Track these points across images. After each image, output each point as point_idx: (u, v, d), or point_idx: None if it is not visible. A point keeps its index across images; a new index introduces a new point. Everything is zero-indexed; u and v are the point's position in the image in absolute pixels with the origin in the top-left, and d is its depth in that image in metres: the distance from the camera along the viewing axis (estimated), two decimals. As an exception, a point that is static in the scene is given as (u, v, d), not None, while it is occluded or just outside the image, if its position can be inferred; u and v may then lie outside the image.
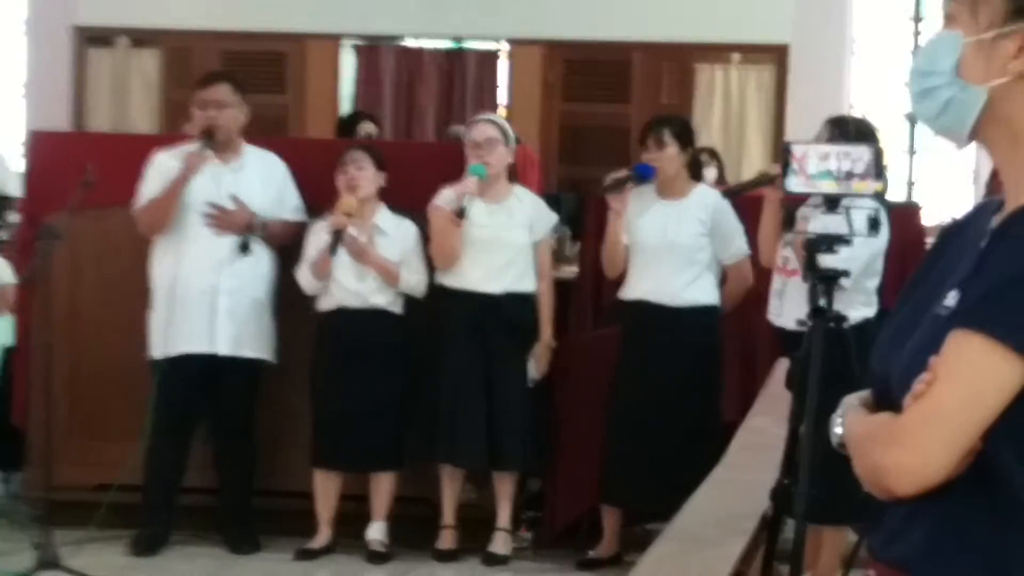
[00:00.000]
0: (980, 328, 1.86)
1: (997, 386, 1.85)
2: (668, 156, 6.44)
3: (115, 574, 6.04)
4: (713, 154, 9.99)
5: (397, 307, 6.64)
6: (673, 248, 6.40)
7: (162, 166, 6.58)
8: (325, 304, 6.62)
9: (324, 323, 6.64)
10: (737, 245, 6.46)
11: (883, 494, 1.96)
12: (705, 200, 6.51)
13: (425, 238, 6.64)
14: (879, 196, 4.90)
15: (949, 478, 1.90)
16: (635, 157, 7.39)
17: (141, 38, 12.13)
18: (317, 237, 6.57)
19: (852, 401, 2.11)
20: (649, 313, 6.39)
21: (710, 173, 9.55)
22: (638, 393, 6.39)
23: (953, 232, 2.12)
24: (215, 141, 6.54)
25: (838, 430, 2.10)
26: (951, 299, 1.93)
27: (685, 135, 6.55)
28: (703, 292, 6.45)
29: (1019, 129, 1.98)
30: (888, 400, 2.01)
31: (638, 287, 6.45)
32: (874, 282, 5.84)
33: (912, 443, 1.90)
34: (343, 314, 6.58)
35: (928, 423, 1.89)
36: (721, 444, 5.13)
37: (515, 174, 6.83)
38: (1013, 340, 1.84)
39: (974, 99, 1.98)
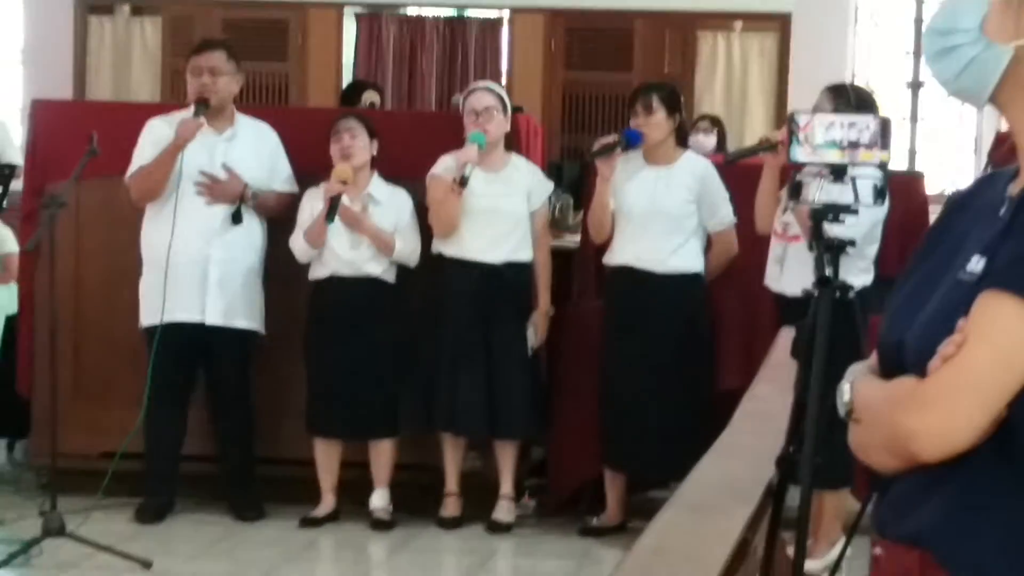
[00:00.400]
0: (1013, 289, 1.83)
1: None
2: (656, 122, 6.44)
3: (121, 542, 6.06)
4: (715, 121, 9.98)
5: (390, 276, 6.64)
6: (660, 214, 6.41)
7: (156, 133, 6.57)
8: (318, 272, 6.62)
9: (317, 291, 6.64)
10: (724, 213, 6.47)
11: (904, 460, 1.91)
12: (693, 167, 6.52)
13: (421, 207, 6.64)
14: (882, 165, 4.90)
15: (963, 449, 1.86)
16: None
17: (142, 6, 12.12)
18: (311, 204, 6.56)
19: (860, 368, 2.08)
20: (635, 279, 6.41)
21: (710, 140, 9.55)
22: (626, 358, 6.42)
23: (960, 203, 2.08)
24: (209, 108, 6.52)
25: (846, 397, 2.06)
26: (975, 264, 1.89)
27: (673, 101, 6.55)
28: (689, 259, 6.47)
29: None
30: (898, 369, 1.97)
31: (624, 252, 6.45)
32: (873, 249, 5.87)
33: (942, 405, 1.86)
34: (336, 282, 6.58)
35: (959, 385, 1.85)
36: (724, 411, 5.14)
37: (512, 142, 6.82)
38: None
39: (998, 58, 1.93)
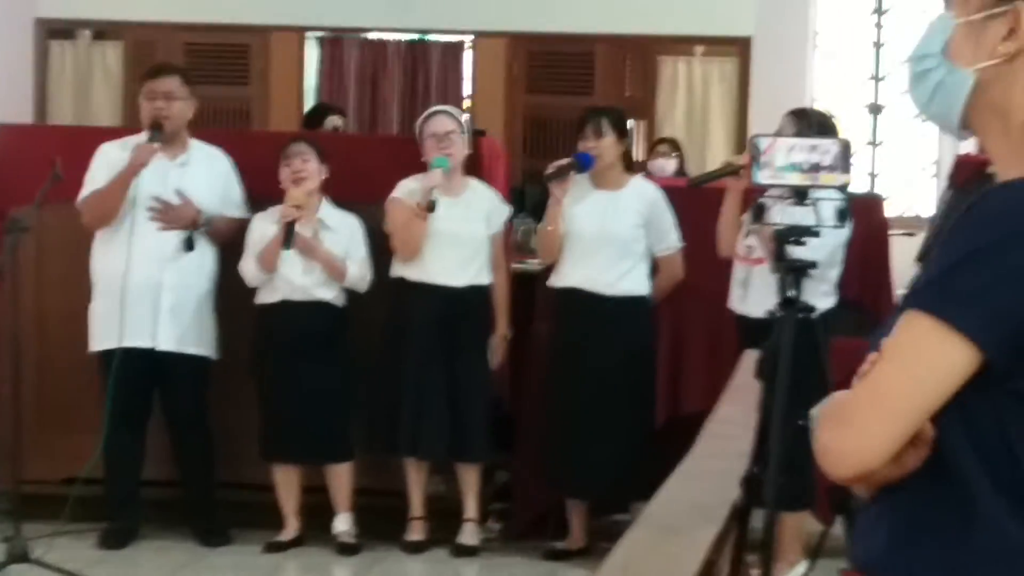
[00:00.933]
0: (927, 308, 1.79)
1: (942, 369, 1.78)
2: (606, 145, 6.50)
3: (86, 567, 6.02)
4: (674, 145, 10.03)
5: (340, 300, 6.65)
6: (609, 238, 6.46)
7: (109, 157, 6.54)
8: (267, 297, 6.60)
9: (266, 316, 6.62)
10: (672, 238, 6.53)
11: (829, 476, 1.89)
12: (642, 192, 6.58)
13: (377, 231, 6.63)
14: (844, 188, 4.95)
15: (906, 472, 1.84)
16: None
17: (103, 30, 12.09)
18: (261, 228, 6.55)
19: (840, 396, 2.02)
20: (582, 301, 6.45)
21: (670, 164, 9.60)
22: (570, 381, 6.45)
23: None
24: (163, 133, 6.51)
25: (815, 422, 2.02)
26: (917, 283, 1.87)
27: (621, 125, 6.65)
28: (636, 283, 6.52)
29: (1007, 114, 1.91)
30: None
31: (572, 275, 6.49)
32: (836, 272, 5.91)
33: (850, 422, 1.84)
34: (287, 307, 6.56)
35: (867, 403, 1.83)
36: (688, 433, 5.16)
37: (473, 166, 6.84)
38: (960, 322, 1.77)
39: (961, 82, 1.92)
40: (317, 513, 6.65)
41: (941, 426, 1.82)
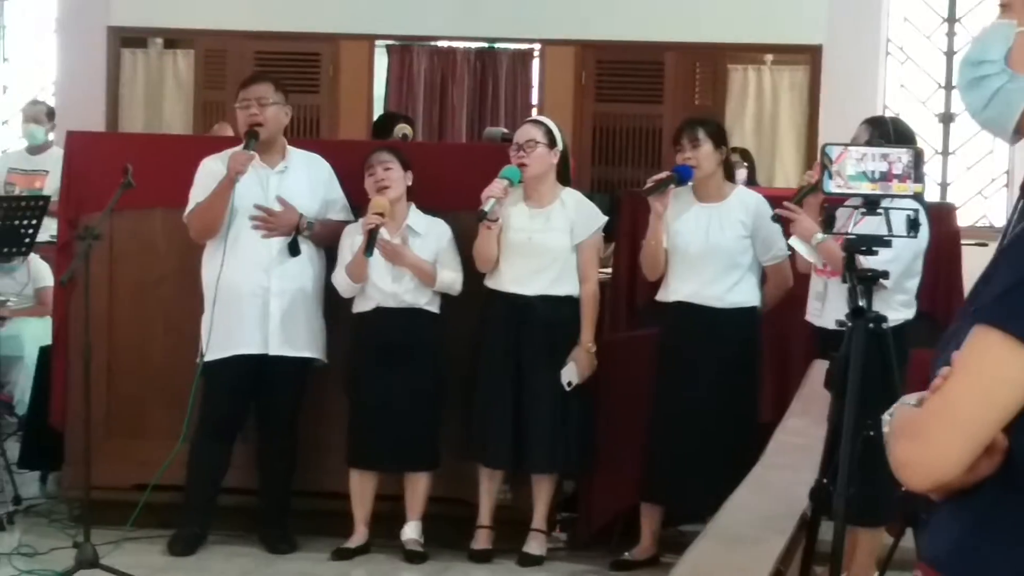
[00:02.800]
0: (997, 323, 1.83)
1: (1012, 381, 1.83)
2: (704, 155, 6.42)
3: (153, 573, 6.07)
4: (744, 154, 9.97)
5: (435, 306, 6.65)
6: (715, 251, 6.39)
7: (210, 171, 6.58)
8: (362, 305, 6.63)
9: (361, 324, 6.65)
10: (779, 247, 6.41)
11: (906, 486, 1.94)
12: (746, 202, 6.50)
13: (462, 238, 6.65)
14: (917, 197, 4.90)
15: (979, 478, 1.88)
16: (667, 158, 7.35)
17: (175, 39, 12.19)
18: (351, 240, 6.58)
19: (908, 400, 2.07)
20: (692, 315, 6.39)
21: (740, 174, 9.55)
22: (682, 394, 6.38)
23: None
24: (259, 140, 6.55)
25: (886, 428, 2.08)
26: (985, 296, 1.91)
27: (719, 135, 6.55)
28: (746, 294, 6.44)
29: None
30: None
31: (680, 290, 6.43)
32: (914, 283, 5.84)
33: (925, 437, 1.89)
34: (380, 314, 6.59)
35: (941, 417, 1.87)
36: (758, 444, 5.13)
37: (567, 177, 6.80)
38: None
39: (1021, 89, 1.95)
40: (384, 520, 6.66)
41: (1013, 434, 1.86)
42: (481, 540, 6.63)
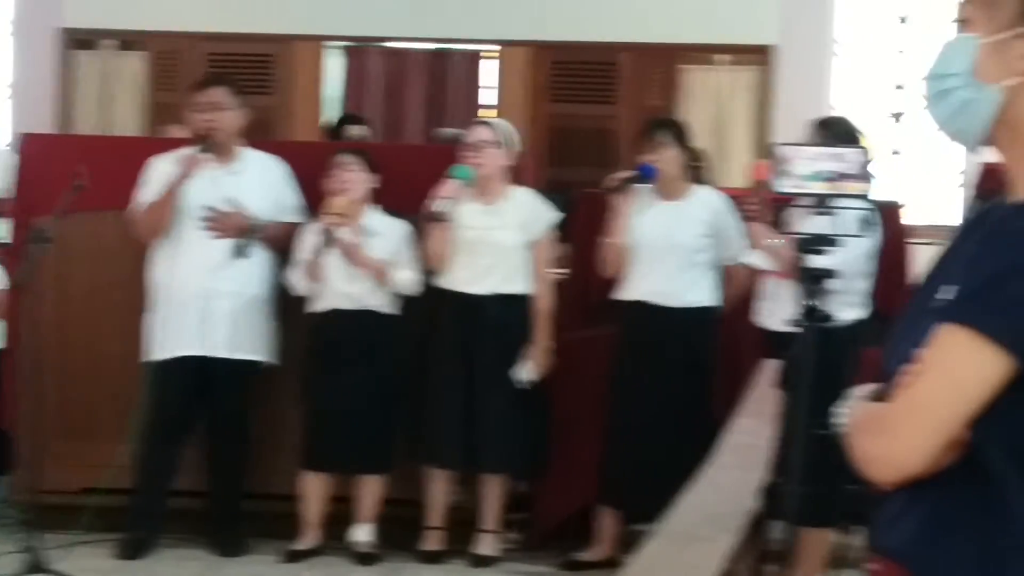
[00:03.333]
0: (964, 321, 1.89)
1: (980, 379, 1.89)
2: (669, 156, 6.46)
3: (102, 577, 6.04)
4: (697, 154, 9.98)
5: (391, 307, 6.64)
6: (675, 249, 6.41)
7: (159, 171, 6.57)
8: (317, 306, 6.62)
9: (316, 325, 6.64)
10: (739, 246, 6.43)
11: (873, 482, 2.00)
12: (708, 201, 6.54)
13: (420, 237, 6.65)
14: (867, 197, 4.92)
15: (940, 468, 1.93)
16: (623, 158, 7.36)
17: (127, 41, 12.11)
18: (309, 239, 6.57)
19: (858, 392, 2.14)
20: (650, 314, 6.40)
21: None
22: (638, 394, 6.39)
23: (965, 230, 2.13)
24: (213, 144, 6.53)
25: (841, 420, 2.13)
26: (944, 293, 1.96)
27: (683, 136, 6.58)
28: (704, 293, 6.47)
29: (1022, 129, 2.01)
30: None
31: (638, 288, 6.44)
32: (863, 283, 5.85)
33: (894, 432, 1.94)
34: (336, 315, 6.58)
35: (911, 413, 1.93)
36: (709, 444, 5.14)
37: (516, 177, 6.80)
38: (997, 334, 1.88)
39: (989, 99, 2.02)
40: (335, 522, 6.64)
41: (974, 428, 1.92)
42: (432, 541, 6.62)
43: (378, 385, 6.58)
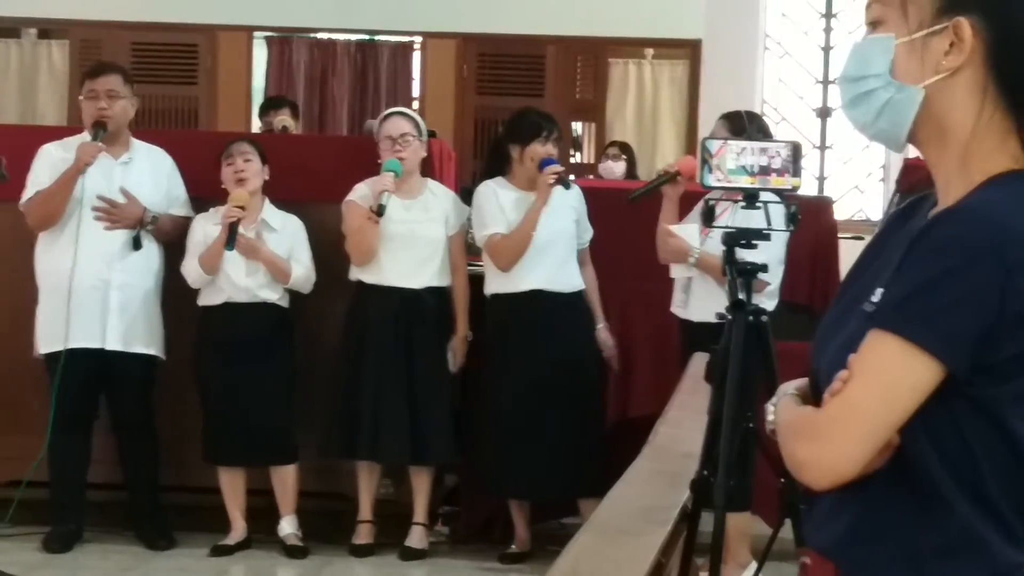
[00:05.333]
0: (895, 329, 1.90)
1: (911, 385, 1.90)
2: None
3: (28, 571, 5.97)
4: (624, 148, 10.03)
5: (285, 301, 6.63)
6: (560, 237, 6.52)
7: (52, 157, 6.50)
8: (211, 299, 6.58)
9: (209, 318, 6.59)
10: (588, 230, 6.66)
11: (805, 485, 2.00)
12: (573, 189, 6.66)
13: (333, 231, 6.60)
14: (794, 191, 4.94)
15: (870, 471, 1.94)
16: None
17: (49, 29, 12.00)
18: (203, 229, 6.53)
19: (787, 389, 2.14)
20: (545, 302, 6.46)
21: (619, 167, 9.60)
22: (527, 383, 6.43)
23: (891, 225, 2.13)
24: (107, 132, 6.46)
25: (771, 417, 2.13)
26: (876, 296, 1.95)
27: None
28: (579, 278, 6.60)
29: (948, 128, 2.00)
30: (819, 394, 2.03)
31: (529, 278, 6.46)
32: (778, 275, 5.88)
33: (827, 438, 1.94)
34: (230, 308, 6.54)
35: (843, 420, 1.93)
36: (637, 436, 5.15)
37: (428, 168, 6.81)
38: (927, 342, 1.88)
39: (911, 99, 2.00)
40: (264, 516, 6.61)
41: (904, 431, 1.93)
42: (362, 535, 6.60)
43: (274, 378, 6.55)
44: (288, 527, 6.58)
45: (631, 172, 9.75)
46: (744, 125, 5.95)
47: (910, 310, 1.89)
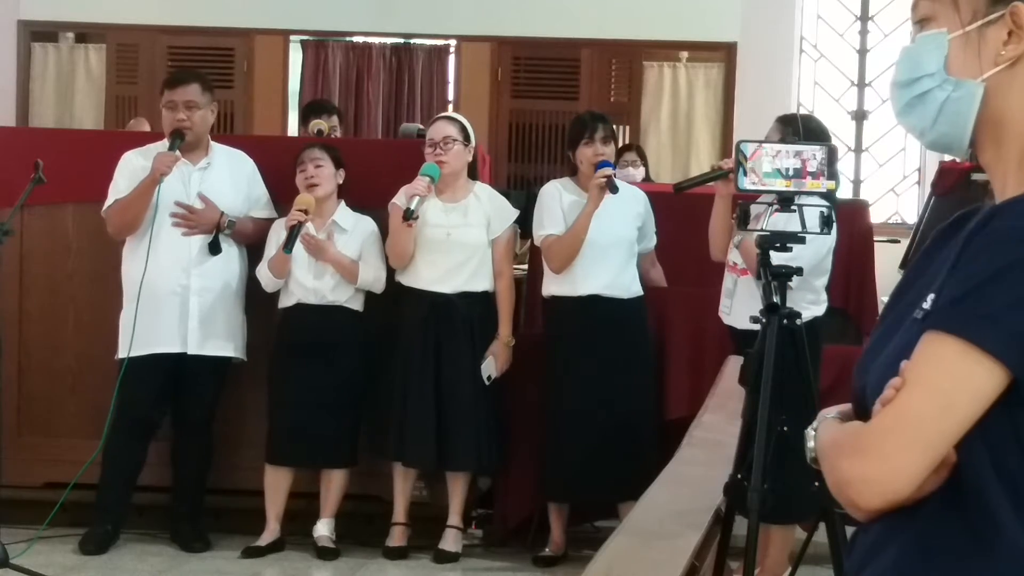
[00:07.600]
0: (953, 330, 1.72)
1: (971, 392, 1.71)
2: (611, 151, 6.61)
3: (64, 573, 6.00)
4: (640, 152, 10.00)
5: (357, 303, 6.63)
6: (620, 242, 6.49)
7: (131, 165, 6.53)
8: (285, 301, 6.62)
9: (283, 320, 6.64)
10: (653, 235, 6.67)
11: (850, 508, 1.81)
12: (636, 194, 6.67)
13: (385, 235, 6.63)
14: (829, 194, 4.93)
15: (923, 495, 1.76)
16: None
17: (86, 33, 12.05)
18: (277, 235, 6.55)
19: (828, 413, 1.96)
20: (603, 307, 6.43)
21: (638, 172, 9.57)
22: (587, 389, 6.42)
23: (941, 237, 1.95)
24: (183, 141, 6.49)
25: (811, 443, 1.95)
26: (928, 302, 1.79)
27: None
28: (638, 283, 6.58)
29: (1007, 123, 1.85)
30: (864, 414, 1.85)
31: (589, 283, 6.45)
32: (823, 280, 5.86)
33: (878, 452, 1.75)
34: (302, 310, 6.57)
35: (896, 430, 1.74)
36: (672, 439, 5.15)
37: (475, 172, 6.79)
38: (989, 343, 1.70)
39: (970, 95, 1.85)
40: (297, 518, 6.62)
41: (961, 449, 1.75)
42: (396, 537, 6.61)
43: (344, 381, 6.57)
44: (323, 529, 6.60)
45: (648, 177, 9.72)
46: (799, 127, 5.91)
47: (970, 308, 1.72)
